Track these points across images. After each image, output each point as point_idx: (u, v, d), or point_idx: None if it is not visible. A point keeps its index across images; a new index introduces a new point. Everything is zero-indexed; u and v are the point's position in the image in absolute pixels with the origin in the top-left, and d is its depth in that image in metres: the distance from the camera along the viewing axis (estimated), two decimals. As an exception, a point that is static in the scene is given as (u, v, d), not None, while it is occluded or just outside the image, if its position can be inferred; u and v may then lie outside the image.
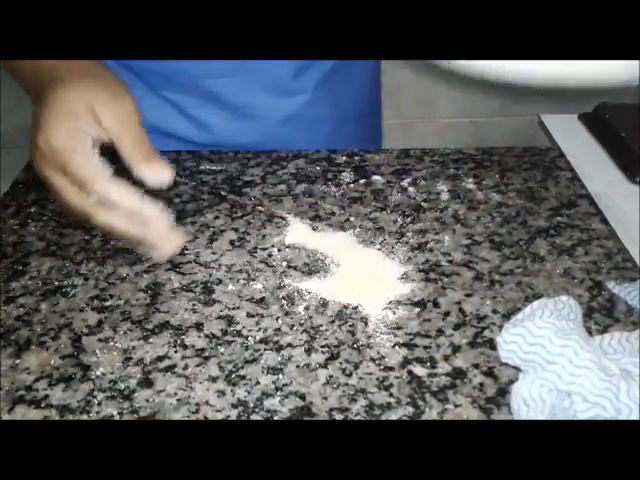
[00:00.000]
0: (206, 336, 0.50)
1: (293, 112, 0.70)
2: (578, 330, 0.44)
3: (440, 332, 0.50)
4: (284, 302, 0.53)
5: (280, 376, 0.47)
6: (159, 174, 0.50)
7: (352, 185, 0.67)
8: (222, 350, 0.49)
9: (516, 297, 0.53)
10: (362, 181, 0.68)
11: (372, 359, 0.48)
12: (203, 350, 0.49)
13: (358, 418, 0.44)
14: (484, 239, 0.60)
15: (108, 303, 0.53)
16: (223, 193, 0.66)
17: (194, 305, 0.53)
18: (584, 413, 0.41)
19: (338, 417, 0.44)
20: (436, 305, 0.53)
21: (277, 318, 0.51)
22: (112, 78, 0.51)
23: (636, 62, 0.46)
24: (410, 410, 0.44)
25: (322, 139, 0.75)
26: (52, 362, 0.48)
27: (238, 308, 0.53)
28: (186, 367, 0.47)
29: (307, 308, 0.52)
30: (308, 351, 0.49)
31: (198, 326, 0.51)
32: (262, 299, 0.53)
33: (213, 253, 0.58)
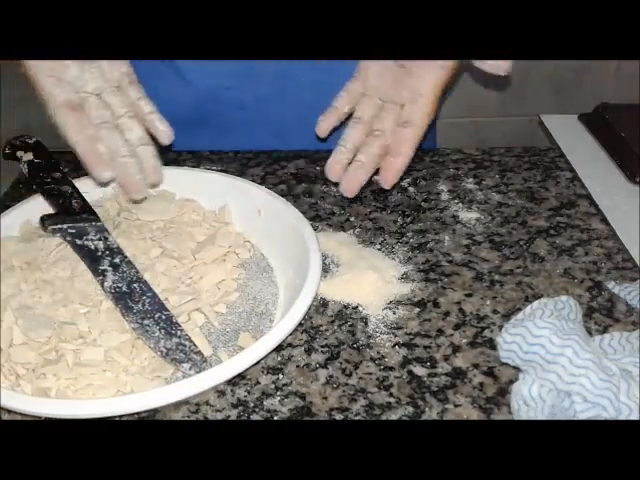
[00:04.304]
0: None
1: (334, 93, 0.68)
2: (578, 330, 0.44)
3: (440, 332, 0.50)
4: (284, 302, 0.53)
5: (280, 376, 0.47)
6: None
7: (352, 185, 0.67)
8: (222, 350, 0.49)
9: (516, 297, 0.53)
10: (362, 181, 0.68)
11: (372, 359, 0.48)
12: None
13: (358, 418, 0.44)
14: (484, 239, 0.60)
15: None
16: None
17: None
18: (584, 413, 0.41)
19: (338, 417, 0.44)
20: (436, 305, 0.53)
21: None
22: None
23: None
24: (410, 410, 0.44)
25: None
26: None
27: (238, 308, 0.53)
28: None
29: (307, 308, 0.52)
30: (308, 351, 0.49)
31: (198, 326, 0.51)
32: (262, 299, 0.53)
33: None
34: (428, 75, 0.59)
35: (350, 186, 0.60)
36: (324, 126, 0.62)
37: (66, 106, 0.54)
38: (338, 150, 0.61)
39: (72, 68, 0.55)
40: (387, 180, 0.60)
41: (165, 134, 0.58)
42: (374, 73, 0.61)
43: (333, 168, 0.61)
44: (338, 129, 0.63)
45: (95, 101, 0.56)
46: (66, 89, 0.55)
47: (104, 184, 0.58)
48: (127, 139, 0.56)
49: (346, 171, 0.60)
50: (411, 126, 0.59)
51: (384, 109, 0.61)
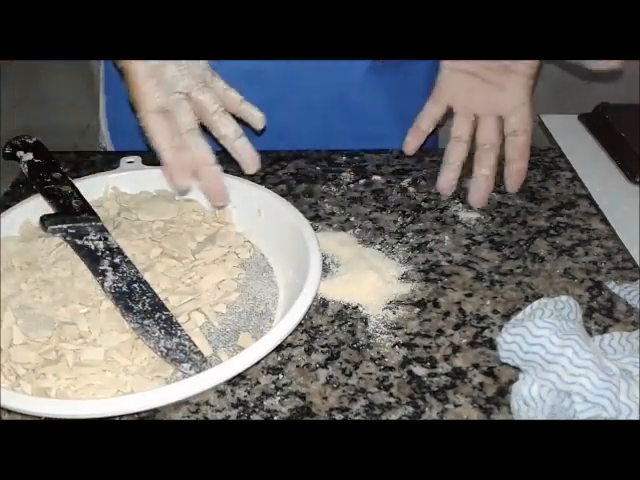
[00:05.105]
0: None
1: (341, 93, 0.69)
2: (578, 330, 0.44)
3: (440, 332, 0.50)
4: (284, 302, 0.53)
5: (280, 376, 0.47)
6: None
7: (352, 185, 0.67)
8: (222, 350, 0.49)
9: (516, 297, 0.53)
10: (362, 181, 0.68)
11: (372, 359, 0.48)
12: (203, 350, 0.49)
13: (358, 418, 0.44)
14: (484, 239, 0.60)
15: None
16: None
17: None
18: (584, 413, 0.41)
19: (338, 417, 0.44)
20: (436, 305, 0.53)
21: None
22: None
23: None
24: (410, 410, 0.44)
25: (379, 134, 0.74)
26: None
27: (238, 308, 0.52)
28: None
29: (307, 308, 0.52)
30: (308, 351, 0.49)
31: (198, 326, 0.51)
32: (262, 299, 0.53)
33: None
34: (521, 87, 0.64)
35: (481, 198, 0.64)
36: (412, 146, 0.69)
37: (158, 111, 0.55)
38: (446, 169, 0.65)
39: (170, 67, 0.56)
40: (515, 185, 0.65)
41: (260, 119, 0.60)
42: (461, 93, 0.66)
43: (446, 186, 0.65)
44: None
45: (185, 104, 0.56)
46: (162, 92, 0.56)
47: (182, 191, 0.59)
48: (223, 134, 0.58)
49: (473, 186, 0.64)
50: (523, 134, 0.64)
51: (481, 122, 0.65)
